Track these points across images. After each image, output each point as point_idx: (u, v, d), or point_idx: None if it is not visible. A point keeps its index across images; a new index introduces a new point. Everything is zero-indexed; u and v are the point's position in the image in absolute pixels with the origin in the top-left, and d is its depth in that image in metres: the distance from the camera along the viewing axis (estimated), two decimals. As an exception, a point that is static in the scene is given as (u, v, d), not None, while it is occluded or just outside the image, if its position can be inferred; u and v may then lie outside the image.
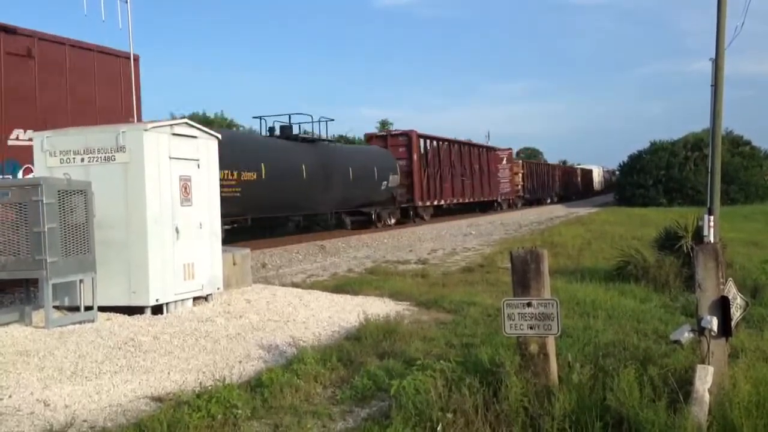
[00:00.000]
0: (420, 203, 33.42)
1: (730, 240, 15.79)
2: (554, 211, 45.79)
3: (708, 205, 12.75)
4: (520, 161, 57.23)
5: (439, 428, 4.68)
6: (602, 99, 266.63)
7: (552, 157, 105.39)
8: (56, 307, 8.75)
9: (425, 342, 7.56)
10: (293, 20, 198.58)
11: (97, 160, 9.08)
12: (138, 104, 12.81)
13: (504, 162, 49.89)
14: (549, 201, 63.65)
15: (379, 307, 9.78)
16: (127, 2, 11.22)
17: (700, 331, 5.03)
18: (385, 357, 6.89)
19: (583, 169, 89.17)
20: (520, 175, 53.79)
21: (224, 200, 11.50)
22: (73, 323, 8.38)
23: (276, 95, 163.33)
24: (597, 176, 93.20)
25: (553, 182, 67.41)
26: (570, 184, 76.55)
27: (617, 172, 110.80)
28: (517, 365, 5.23)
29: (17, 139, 11.70)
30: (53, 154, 9.26)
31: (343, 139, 46.79)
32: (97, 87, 13.49)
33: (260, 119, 24.77)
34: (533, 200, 58.44)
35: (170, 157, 9.36)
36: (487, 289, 11.58)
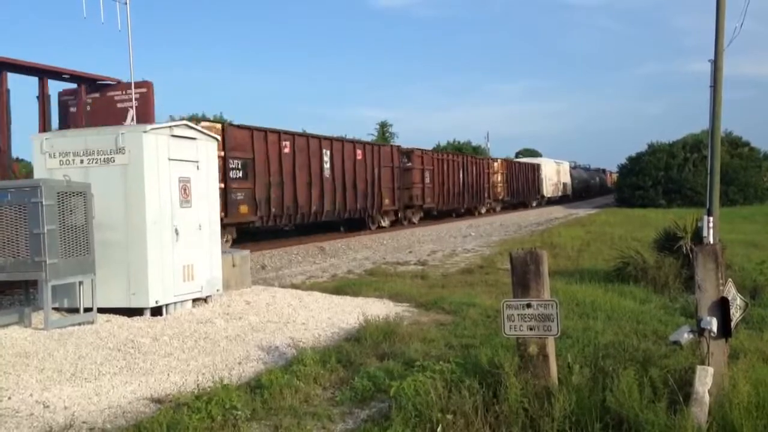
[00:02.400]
0: None
1: (729, 241, 15.80)
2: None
3: (707, 206, 12.75)
4: (218, 126, 19.59)
5: (438, 429, 4.68)
6: (602, 99, 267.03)
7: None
8: (56, 309, 8.74)
9: (425, 343, 7.55)
10: (292, 21, 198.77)
11: (96, 162, 9.08)
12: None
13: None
14: (375, 226, 29.27)
15: (378, 309, 9.78)
16: (126, 4, 11.23)
17: (700, 332, 5.03)
18: (385, 358, 6.90)
19: (513, 163, 52.09)
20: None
21: None
22: (73, 325, 8.37)
23: (275, 96, 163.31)
24: (553, 175, 60.68)
25: (408, 186, 32.17)
26: (467, 190, 39.25)
27: (611, 173, 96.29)
28: (517, 366, 5.23)
29: None
30: (53, 155, 9.26)
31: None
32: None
33: None
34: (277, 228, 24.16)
35: (169, 159, 9.36)
36: (487, 290, 11.58)
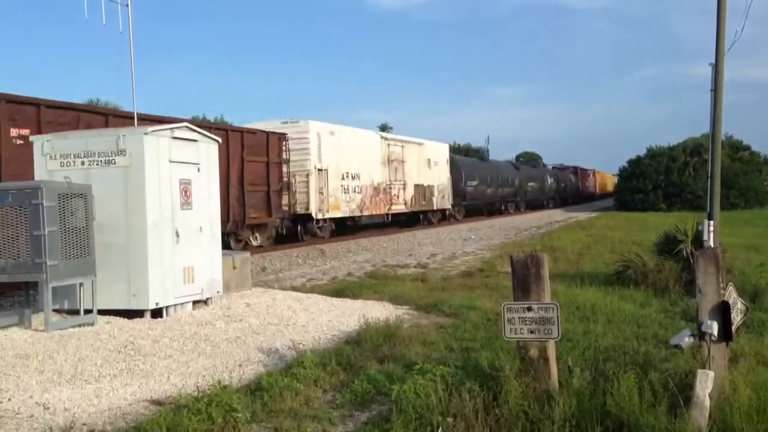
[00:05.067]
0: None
1: (729, 245, 15.79)
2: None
3: (708, 210, 12.76)
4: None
5: (439, 432, 4.68)
6: (603, 103, 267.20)
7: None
8: (56, 311, 8.73)
9: (425, 346, 7.55)
10: (292, 24, 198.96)
11: (97, 164, 9.08)
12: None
13: None
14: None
15: (378, 311, 9.78)
16: (127, 6, 11.23)
17: (701, 335, 5.03)
18: (385, 361, 6.90)
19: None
20: None
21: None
22: (73, 326, 8.37)
23: (275, 99, 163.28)
24: (371, 169, 27.64)
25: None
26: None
27: (597, 173, 76.35)
28: (517, 369, 5.23)
29: None
30: (53, 157, 9.26)
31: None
32: None
33: None
34: None
35: (170, 161, 9.36)
36: (487, 293, 11.57)
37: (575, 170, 69.11)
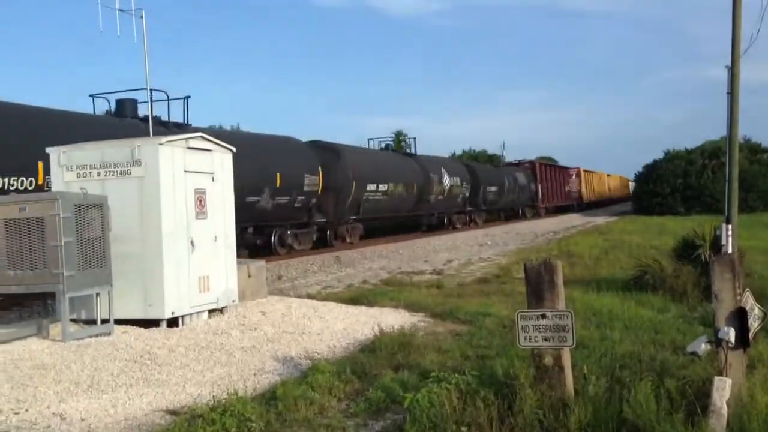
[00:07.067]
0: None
1: (748, 248, 15.61)
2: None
3: (726, 214, 12.61)
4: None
5: (453, 441, 4.66)
6: (620, 107, 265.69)
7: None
8: (73, 321, 8.81)
9: (440, 354, 7.52)
10: (308, 30, 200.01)
11: (113, 174, 9.15)
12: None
13: None
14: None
15: (393, 319, 9.76)
16: (142, 17, 11.34)
17: (718, 342, 4.98)
18: (400, 369, 6.87)
19: None
20: None
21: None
22: (90, 336, 8.43)
23: (293, 106, 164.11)
24: None
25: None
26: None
27: (581, 172, 58.39)
28: (532, 377, 5.20)
29: None
30: (70, 168, 9.35)
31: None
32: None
33: None
34: None
35: (185, 171, 9.42)
36: (503, 299, 11.51)
37: (532, 166, 47.88)
